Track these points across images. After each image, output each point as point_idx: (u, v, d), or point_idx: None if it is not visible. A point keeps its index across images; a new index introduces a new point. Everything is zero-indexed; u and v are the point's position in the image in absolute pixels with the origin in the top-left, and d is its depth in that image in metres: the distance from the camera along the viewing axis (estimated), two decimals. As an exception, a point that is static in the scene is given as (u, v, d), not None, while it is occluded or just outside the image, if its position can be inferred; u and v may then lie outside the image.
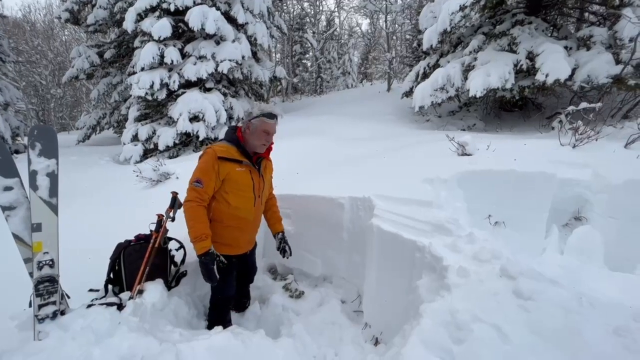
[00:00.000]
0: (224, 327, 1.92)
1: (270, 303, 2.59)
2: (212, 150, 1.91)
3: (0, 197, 1.61)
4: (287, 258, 2.37)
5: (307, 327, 2.25)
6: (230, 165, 1.94)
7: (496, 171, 2.54)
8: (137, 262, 2.13)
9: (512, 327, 1.38)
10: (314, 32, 19.52)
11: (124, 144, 7.97)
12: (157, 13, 7.60)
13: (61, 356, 1.46)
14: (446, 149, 3.15)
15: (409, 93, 7.45)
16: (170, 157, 7.61)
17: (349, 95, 12.11)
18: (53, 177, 1.68)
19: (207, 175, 1.88)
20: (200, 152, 1.96)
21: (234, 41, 7.68)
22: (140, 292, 2.02)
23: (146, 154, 7.90)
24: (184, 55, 7.83)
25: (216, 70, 7.57)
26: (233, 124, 8.15)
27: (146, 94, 7.54)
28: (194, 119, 7.43)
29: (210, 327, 2.13)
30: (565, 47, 5.00)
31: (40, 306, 1.62)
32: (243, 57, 7.77)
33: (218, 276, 1.88)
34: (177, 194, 2.40)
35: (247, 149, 2.02)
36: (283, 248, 2.34)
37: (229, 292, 2.21)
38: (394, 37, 18.79)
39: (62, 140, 7.01)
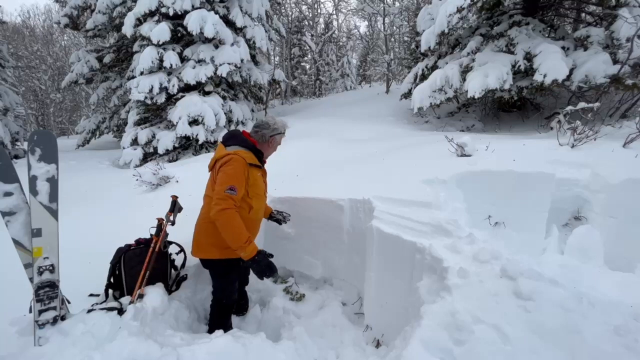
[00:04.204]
0: (225, 332, 1.92)
1: (270, 306, 2.59)
2: (240, 157, 1.91)
3: (0, 202, 1.61)
4: (288, 221, 2.60)
5: (308, 330, 2.25)
6: (255, 171, 2.01)
7: (495, 172, 2.55)
8: (138, 267, 2.13)
9: (512, 327, 1.38)
10: (312, 35, 19.58)
11: (124, 148, 7.97)
12: (156, 17, 7.63)
13: (62, 361, 1.45)
14: (445, 150, 3.16)
15: (407, 94, 7.48)
16: (170, 161, 7.61)
17: (347, 97, 12.14)
18: (53, 182, 1.68)
19: (239, 182, 1.89)
20: (224, 159, 1.91)
21: (232, 45, 7.71)
22: (141, 296, 2.02)
23: (146, 158, 7.90)
24: (183, 59, 7.86)
25: (215, 73, 7.59)
26: (232, 127, 8.16)
27: (145, 98, 7.56)
28: (194, 122, 7.44)
29: (211, 332, 2.12)
30: (563, 48, 5.02)
31: (40, 311, 1.62)
32: (242, 61, 7.80)
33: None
34: (177, 197, 2.40)
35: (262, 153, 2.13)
36: (281, 214, 2.58)
37: (234, 297, 2.21)
38: (392, 39, 18.86)
39: (62, 145, 7.02)
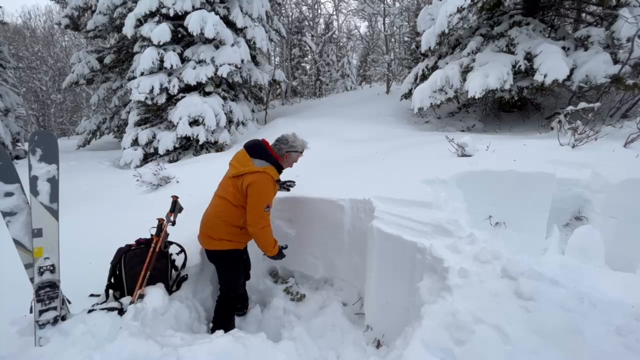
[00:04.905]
0: (226, 331, 1.92)
1: (271, 306, 2.59)
2: (270, 177, 2.09)
3: (1, 202, 1.61)
4: (294, 186, 2.84)
5: (308, 330, 2.25)
6: (276, 185, 2.21)
7: (496, 172, 2.54)
8: (138, 267, 2.13)
9: (513, 327, 1.37)
10: (312, 36, 19.59)
11: (124, 148, 7.98)
12: (156, 18, 7.64)
13: (62, 361, 1.45)
14: (446, 150, 3.16)
15: (408, 95, 7.47)
16: (170, 161, 7.62)
17: (348, 98, 12.14)
18: (54, 182, 1.69)
19: (271, 199, 2.17)
20: (256, 177, 2.05)
21: (233, 45, 7.72)
22: (141, 296, 2.02)
23: (146, 158, 7.91)
24: (184, 60, 7.87)
25: (215, 74, 7.60)
26: (232, 127, 8.16)
27: (146, 98, 7.57)
28: (194, 122, 7.44)
29: (215, 328, 2.12)
30: (563, 48, 5.01)
31: (41, 312, 1.62)
32: (242, 61, 7.80)
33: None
34: (177, 197, 2.41)
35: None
36: (284, 184, 2.78)
37: (240, 290, 2.34)
38: (393, 40, 18.85)
39: (62, 145, 7.03)
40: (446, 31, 5.71)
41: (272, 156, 2.18)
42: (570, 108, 3.53)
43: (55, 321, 1.65)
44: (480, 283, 1.60)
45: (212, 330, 2.13)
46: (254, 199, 2.05)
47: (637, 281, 1.58)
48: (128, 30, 7.78)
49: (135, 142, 7.98)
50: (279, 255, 2.30)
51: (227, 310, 2.27)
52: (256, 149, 2.16)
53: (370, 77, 21.85)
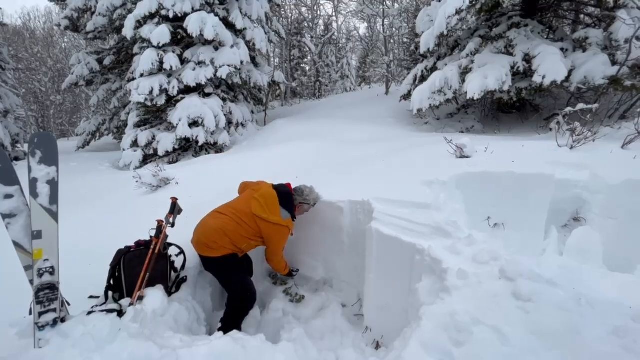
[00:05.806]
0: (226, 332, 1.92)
1: (270, 307, 2.59)
2: (289, 230, 2.42)
3: (1, 204, 1.61)
4: None
5: (307, 332, 2.25)
6: None
7: (494, 173, 2.55)
8: (137, 268, 2.13)
9: (511, 328, 1.38)
10: (312, 37, 19.62)
11: (124, 149, 7.97)
12: (156, 20, 7.65)
13: (61, 363, 1.45)
14: (445, 152, 3.17)
15: (407, 96, 7.48)
16: (170, 163, 7.61)
17: (347, 99, 12.15)
18: (53, 184, 1.69)
19: (286, 242, 2.51)
20: (280, 229, 2.35)
21: (232, 46, 7.72)
22: (141, 298, 2.02)
23: (146, 160, 7.90)
24: (183, 61, 7.87)
25: (215, 75, 7.60)
26: (232, 128, 8.17)
27: (145, 99, 7.56)
28: (194, 124, 7.44)
29: (228, 330, 2.05)
30: (562, 49, 5.03)
31: (40, 313, 1.62)
32: (242, 62, 7.81)
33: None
34: (177, 199, 2.41)
35: None
36: None
37: (254, 289, 2.42)
38: (392, 41, 18.88)
39: (62, 147, 7.02)
40: (445, 32, 5.72)
41: (294, 212, 2.46)
42: (568, 109, 3.54)
43: (54, 323, 1.64)
44: (479, 284, 1.60)
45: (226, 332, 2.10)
46: (276, 245, 2.41)
47: (635, 282, 1.58)
48: (128, 31, 7.78)
49: (134, 144, 7.97)
50: (289, 275, 2.74)
51: (244, 312, 2.34)
52: (285, 197, 2.41)
53: (370, 78, 21.87)
